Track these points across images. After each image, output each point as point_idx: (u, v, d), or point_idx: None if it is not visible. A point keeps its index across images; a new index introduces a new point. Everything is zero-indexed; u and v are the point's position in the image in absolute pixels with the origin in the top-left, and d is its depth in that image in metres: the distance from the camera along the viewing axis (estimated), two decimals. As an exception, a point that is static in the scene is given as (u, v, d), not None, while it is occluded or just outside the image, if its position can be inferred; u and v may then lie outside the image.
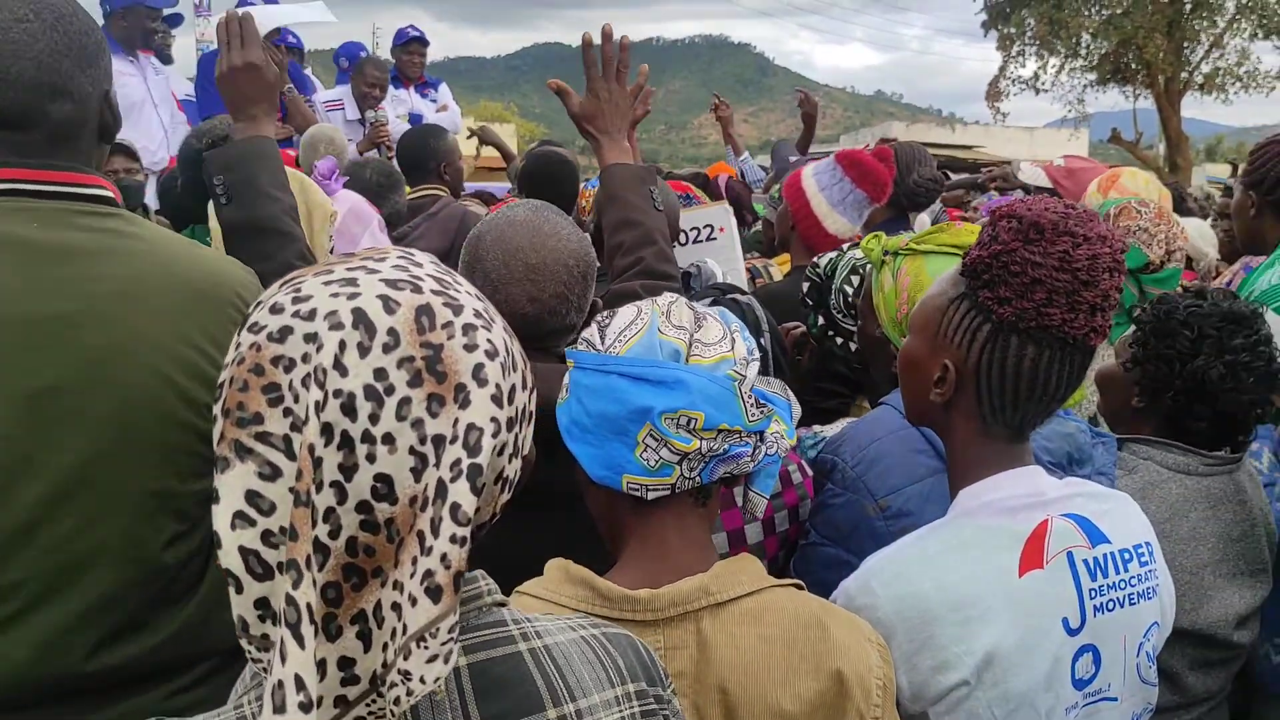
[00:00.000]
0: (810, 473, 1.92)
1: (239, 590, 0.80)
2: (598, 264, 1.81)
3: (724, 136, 6.21)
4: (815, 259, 2.42)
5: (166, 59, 5.96)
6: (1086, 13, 24.40)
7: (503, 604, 0.98)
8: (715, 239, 3.56)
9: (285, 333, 0.82)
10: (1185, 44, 24.75)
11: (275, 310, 0.84)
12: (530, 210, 1.78)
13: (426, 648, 0.79)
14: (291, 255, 1.90)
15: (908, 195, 3.79)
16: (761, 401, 1.25)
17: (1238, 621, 1.98)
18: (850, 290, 2.23)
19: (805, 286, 2.36)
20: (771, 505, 1.88)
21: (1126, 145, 24.76)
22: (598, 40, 2.18)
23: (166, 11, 5.74)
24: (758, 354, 1.30)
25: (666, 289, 1.99)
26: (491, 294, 1.72)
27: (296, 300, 0.84)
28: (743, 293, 2.02)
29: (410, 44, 7.09)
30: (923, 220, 3.79)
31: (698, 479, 1.24)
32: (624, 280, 2.05)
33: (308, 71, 6.62)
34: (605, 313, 1.31)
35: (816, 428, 2.23)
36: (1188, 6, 24.43)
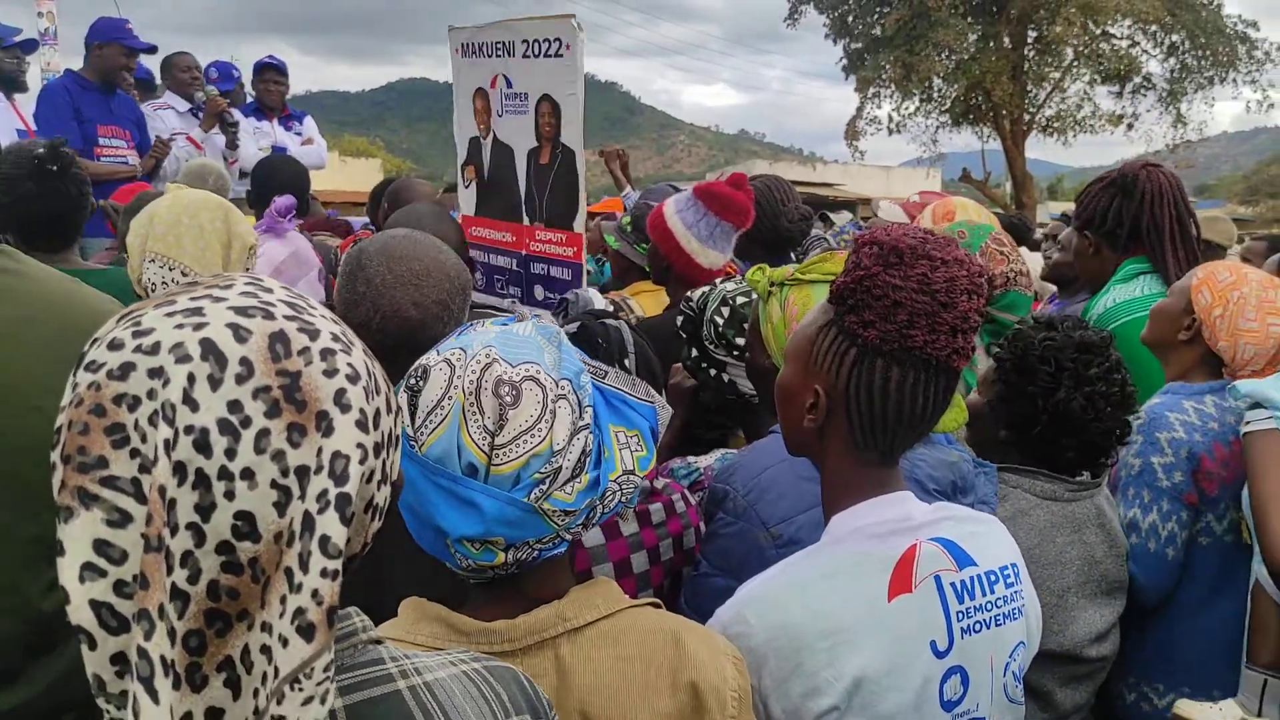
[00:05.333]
0: (694, 501, 1.90)
1: (92, 647, 0.74)
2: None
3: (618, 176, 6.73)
4: (689, 294, 2.42)
5: (21, 86, 5.81)
6: (937, 58, 25.60)
7: (378, 641, 0.95)
8: None
9: (127, 369, 0.76)
10: (1029, 88, 26.25)
11: (114, 346, 0.77)
12: (410, 230, 1.86)
13: (301, 689, 0.74)
14: None
15: (785, 237, 3.67)
16: (590, 476, 1.17)
17: (1096, 637, 2.04)
18: (720, 321, 2.24)
19: (680, 320, 2.36)
20: (656, 534, 1.86)
21: (976, 184, 26.05)
22: None
23: (15, 39, 5.57)
24: (585, 414, 1.18)
25: None
26: (375, 298, 1.74)
27: (137, 334, 0.77)
28: (615, 317, 2.00)
29: (265, 71, 6.91)
30: None
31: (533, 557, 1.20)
32: None
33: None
34: (419, 371, 1.20)
35: (691, 459, 2.21)
36: (1030, 53, 25.93)
